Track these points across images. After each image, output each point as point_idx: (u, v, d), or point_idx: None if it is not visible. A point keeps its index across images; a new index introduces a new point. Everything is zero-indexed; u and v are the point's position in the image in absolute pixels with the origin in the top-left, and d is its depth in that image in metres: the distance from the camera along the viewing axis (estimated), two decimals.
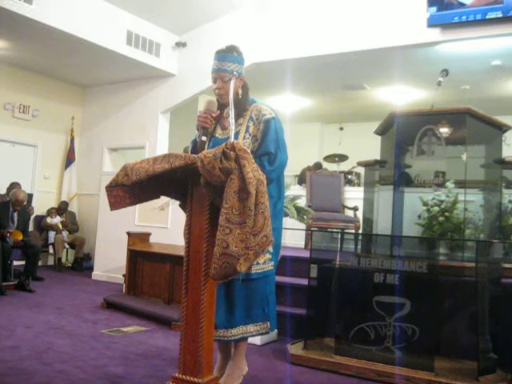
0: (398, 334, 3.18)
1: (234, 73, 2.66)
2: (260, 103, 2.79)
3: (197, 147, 2.71)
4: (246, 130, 2.71)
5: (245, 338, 2.69)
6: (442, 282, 3.28)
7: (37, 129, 8.29)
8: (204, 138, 2.67)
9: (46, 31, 6.21)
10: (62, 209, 8.25)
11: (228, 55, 2.71)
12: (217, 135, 2.79)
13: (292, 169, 9.13)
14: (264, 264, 2.66)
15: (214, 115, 2.69)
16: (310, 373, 3.24)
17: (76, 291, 5.90)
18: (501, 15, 5.27)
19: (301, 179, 9.05)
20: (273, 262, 2.72)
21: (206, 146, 2.73)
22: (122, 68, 7.68)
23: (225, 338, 2.63)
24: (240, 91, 2.73)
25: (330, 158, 9.14)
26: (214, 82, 2.73)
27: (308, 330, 3.64)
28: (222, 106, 2.78)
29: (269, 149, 2.64)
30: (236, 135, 2.68)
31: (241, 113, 2.74)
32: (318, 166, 9.46)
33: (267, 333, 2.77)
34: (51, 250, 7.83)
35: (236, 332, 2.63)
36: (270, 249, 2.66)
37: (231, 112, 2.52)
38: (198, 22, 7.35)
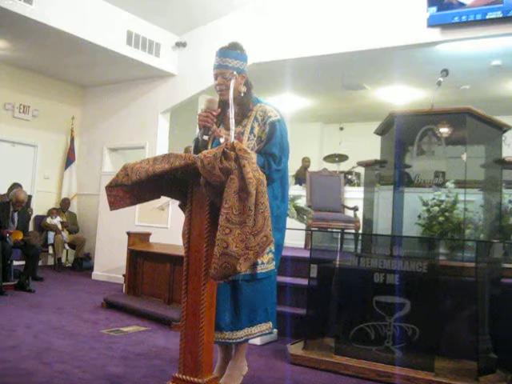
0: (398, 334, 3.18)
1: (235, 73, 2.64)
2: (265, 103, 2.77)
3: (199, 146, 2.71)
4: (251, 131, 2.68)
5: (249, 340, 2.69)
6: (442, 282, 3.27)
7: (37, 129, 8.29)
8: (206, 137, 2.64)
9: (46, 31, 6.21)
10: (65, 203, 8.28)
11: (230, 52, 2.67)
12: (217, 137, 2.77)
13: (293, 169, 9.18)
14: (268, 264, 2.66)
15: (215, 113, 2.66)
16: (310, 373, 3.24)
17: (76, 291, 5.90)
18: (501, 15, 5.27)
19: (297, 179, 9.10)
20: (275, 262, 2.72)
21: (210, 146, 2.73)
22: (122, 68, 7.68)
23: (230, 341, 2.61)
24: (243, 89, 2.68)
25: (330, 158, 9.16)
26: (216, 78, 2.69)
27: (308, 330, 3.64)
28: (226, 105, 2.75)
29: (273, 151, 2.62)
30: (240, 136, 2.67)
31: (245, 113, 2.71)
32: (306, 161, 9.58)
33: (271, 333, 2.77)
34: (51, 251, 7.84)
35: (241, 334, 2.62)
36: (273, 248, 2.66)
37: (231, 112, 2.51)
38: (198, 22, 7.35)
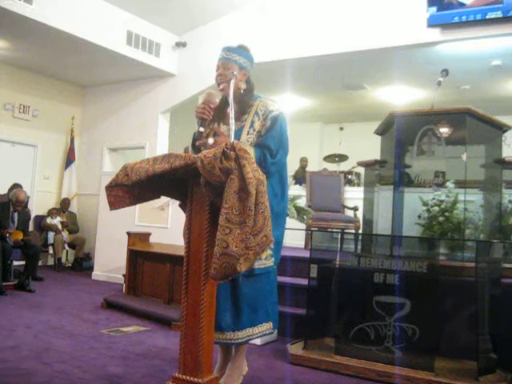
0: (398, 334, 3.18)
1: (235, 72, 2.64)
2: (265, 98, 2.77)
3: (195, 138, 2.71)
4: (251, 126, 2.68)
5: (250, 340, 2.69)
6: (442, 281, 3.27)
7: (37, 129, 8.30)
8: (202, 129, 2.64)
9: (46, 31, 6.21)
10: (65, 203, 8.29)
11: (236, 49, 2.71)
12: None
13: (292, 169, 9.19)
14: (266, 260, 2.65)
15: (212, 106, 2.65)
16: (310, 373, 3.24)
17: (76, 291, 5.90)
18: (501, 15, 5.27)
19: (296, 179, 9.11)
20: (273, 259, 2.71)
21: (208, 146, 2.72)
22: (122, 68, 7.68)
23: (232, 341, 2.61)
24: (243, 85, 2.69)
25: (330, 158, 9.17)
26: (217, 70, 2.71)
27: (308, 330, 3.64)
28: (226, 102, 2.75)
29: (269, 143, 2.62)
30: (240, 130, 2.66)
31: (245, 110, 2.71)
32: (303, 160, 9.63)
33: (271, 333, 2.77)
34: (51, 251, 7.84)
35: (243, 335, 2.61)
36: (271, 245, 2.65)
37: (231, 112, 2.51)
38: (198, 22, 7.36)
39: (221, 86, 2.70)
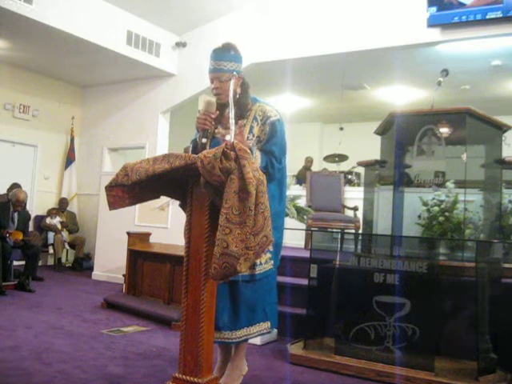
0: (398, 334, 3.18)
1: (234, 72, 2.63)
2: (263, 103, 2.77)
3: (197, 149, 2.70)
4: (250, 131, 2.68)
5: (248, 339, 2.69)
6: (442, 281, 3.27)
7: (37, 129, 8.29)
8: (204, 140, 2.63)
9: (46, 31, 6.21)
10: (63, 203, 8.28)
11: (225, 54, 2.66)
12: (218, 136, 2.77)
13: (293, 169, 9.18)
14: (265, 264, 2.67)
15: (213, 116, 2.65)
16: (310, 373, 3.24)
17: (76, 291, 5.90)
18: (501, 15, 5.27)
19: (298, 179, 9.12)
20: (273, 261, 2.72)
21: (208, 147, 2.72)
22: (122, 68, 7.68)
23: (229, 340, 2.62)
24: (238, 90, 2.68)
25: (330, 158, 9.17)
26: (212, 82, 2.69)
27: (308, 330, 3.64)
28: (223, 105, 2.75)
29: (274, 150, 2.65)
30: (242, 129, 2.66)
31: (243, 113, 2.70)
32: (308, 161, 9.65)
33: (268, 332, 2.78)
34: (51, 251, 7.84)
35: (240, 334, 2.63)
36: (271, 248, 2.65)
37: (231, 113, 2.51)
38: (198, 22, 7.36)
39: (219, 97, 2.69)
